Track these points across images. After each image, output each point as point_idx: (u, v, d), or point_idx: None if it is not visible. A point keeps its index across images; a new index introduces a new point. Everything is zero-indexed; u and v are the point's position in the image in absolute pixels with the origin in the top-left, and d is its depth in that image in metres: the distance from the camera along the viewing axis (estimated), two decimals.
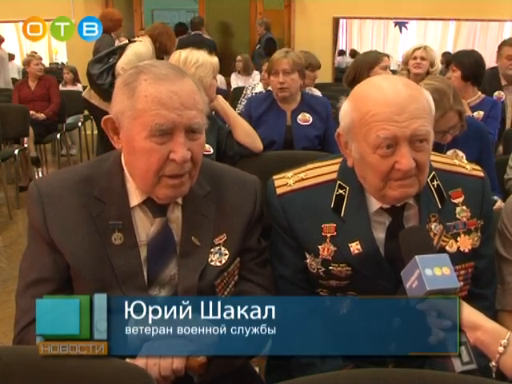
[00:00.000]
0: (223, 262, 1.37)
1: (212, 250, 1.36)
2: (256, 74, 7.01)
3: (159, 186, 1.27)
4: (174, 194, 1.30)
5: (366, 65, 3.51)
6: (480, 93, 3.62)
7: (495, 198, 2.51)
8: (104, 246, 1.30)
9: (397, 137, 1.25)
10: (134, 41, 4.48)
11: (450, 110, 2.39)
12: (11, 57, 9.07)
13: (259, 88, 4.86)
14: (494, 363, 1.09)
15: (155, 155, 1.24)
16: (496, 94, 3.79)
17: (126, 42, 4.51)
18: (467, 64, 3.52)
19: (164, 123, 1.22)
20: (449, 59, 3.74)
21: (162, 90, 1.22)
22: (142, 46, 4.38)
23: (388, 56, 3.69)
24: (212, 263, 1.36)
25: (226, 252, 1.37)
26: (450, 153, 2.54)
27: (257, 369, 1.70)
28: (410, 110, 1.25)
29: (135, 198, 1.33)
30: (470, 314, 1.13)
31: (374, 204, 1.38)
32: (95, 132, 7.35)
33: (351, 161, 1.37)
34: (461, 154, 2.56)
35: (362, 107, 1.29)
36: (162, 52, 4.45)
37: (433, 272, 1.15)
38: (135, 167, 1.29)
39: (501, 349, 1.08)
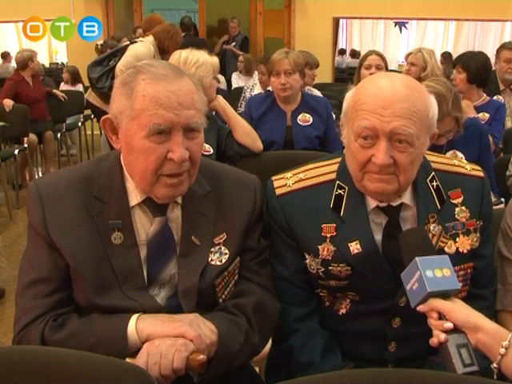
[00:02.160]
0: (223, 261, 1.36)
1: (212, 249, 1.36)
2: (257, 75, 7.00)
3: (158, 185, 1.27)
4: (173, 193, 1.30)
5: (358, 65, 3.65)
6: (485, 95, 3.62)
7: (502, 199, 2.52)
8: (104, 245, 1.29)
9: (376, 129, 1.26)
10: (135, 41, 4.47)
11: (448, 116, 2.39)
12: (8, 57, 9.04)
13: (257, 89, 4.85)
14: (495, 365, 1.08)
15: (153, 154, 1.24)
16: (494, 98, 3.79)
17: (128, 43, 4.49)
18: (474, 68, 3.51)
19: (162, 123, 1.22)
20: (455, 60, 3.72)
21: (159, 90, 1.22)
22: (142, 47, 4.35)
23: (379, 54, 3.71)
24: (212, 262, 1.35)
25: (226, 251, 1.37)
26: (449, 154, 2.54)
27: (257, 369, 1.70)
28: (396, 108, 1.25)
29: (135, 198, 1.33)
30: (471, 315, 1.13)
31: (371, 203, 1.38)
32: (95, 132, 7.39)
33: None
34: (460, 155, 2.57)
35: (356, 95, 1.32)
36: (161, 51, 4.44)
37: (433, 273, 1.14)
38: (134, 166, 1.28)
39: (502, 350, 1.07)
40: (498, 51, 4.08)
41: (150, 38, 4.44)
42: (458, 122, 2.44)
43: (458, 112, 2.40)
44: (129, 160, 1.29)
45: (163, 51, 4.43)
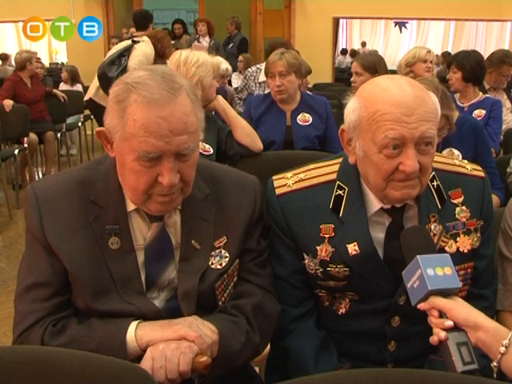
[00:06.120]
0: (223, 264, 1.35)
1: (212, 253, 1.35)
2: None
3: (149, 202, 1.26)
4: (165, 208, 1.29)
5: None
6: (481, 93, 3.62)
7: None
8: (101, 250, 1.28)
9: (405, 138, 1.24)
10: (138, 41, 4.52)
11: None
12: (6, 59, 9.02)
13: (262, 77, 4.71)
14: (495, 363, 1.08)
15: (143, 177, 1.22)
16: (490, 96, 3.78)
17: (130, 42, 4.54)
18: (468, 66, 3.52)
19: (151, 151, 1.18)
20: (450, 60, 3.72)
21: (150, 117, 1.17)
22: (147, 47, 4.48)
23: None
24: (212, 266, 1.34)
25: (227, 255, 1.36)
26: (445, 152, 2.53)
27: (257, 369, 1.70)
28: (420, 113, 1.24)
29: (132, 203, 1.32)
30: (472, 313, 1.13)
31: (375, 204, 1.37)
32: None
33: (353, 158, 1.36)
34: (456, 152, 2.56)
35: (370, 105, 1.28)
36: (159, 55, 4.50)
37: (434, 272, 1.14)
38: (125, 181, 1.27)
39: (502, 349, 1.07)
40: (493, 61, 4.04)
41: (146, 39, 4.53)
42: (449, 119, 2.44)
43: (447, 110, 2.38)
44: (121, 173, 1.28)
45: (163, 55, 4.49)
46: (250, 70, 4.89)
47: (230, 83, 6.74)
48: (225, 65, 4.55)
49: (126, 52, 4.41)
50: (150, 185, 1.22)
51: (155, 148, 1.18)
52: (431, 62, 3.82)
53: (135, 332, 1.22)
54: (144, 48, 4.44)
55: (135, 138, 1.18)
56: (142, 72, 1.24)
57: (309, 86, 4.83)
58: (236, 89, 5.44)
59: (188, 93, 1.24)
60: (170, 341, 1.20)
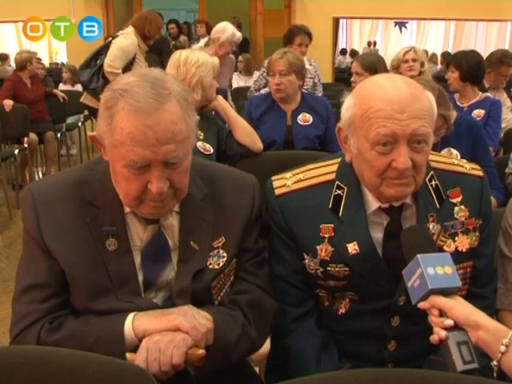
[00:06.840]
0: (221, 264, 1.35)
1: (211, 253, 1.35)
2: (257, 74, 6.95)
3: (142, 206, 1.26)
4: (158, 212, 1.28)
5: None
6: (481, 93, 3.62)
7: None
8: (98, 251, 1.28)
9: (396, 135, 1.24)
10: (117, 36, 4.45)
11: None
12: (6, 59, 9.01)
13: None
14: (495, 362, 1.08)
15: (133, 183, 1.22)
16: (490, 95, 3.78)
17: (110, 39, 4.48)
18: (465, 65, 3.53)
19: (138, 161, 1.17)
20: (448, 60, 3.73)
21: (137, 125, 1.16)
22: (124, 39, 4.35)
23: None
24: (210, 266, 1.34)
25: (225, 255, 1.36)
26: (444, 152, 2.53)
27: (257, 369, 1.70)
28: (412, 110, 1.24)
29: (126, 206, 1.31)
30: (472, 312, 1.13)
31: (373, 204, 1.37)
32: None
33: (349, 156, 1.37)
34: (455, 152, 2.56)
35: (364, 103, 1.28)
36: (143, 38, 4.44)
37: (435, 271, 1.14)
38: (118, 185, 1.27)
39: (503, 348, 1.07)
40: (492, 61, 4.05)
41: (129, 29, 4.44)
42: (446, 119, 2.43)
43: (444, 110, 2.38)
44: (114, 177, 1.28)
45: (145, 38, 4.44)
46: (267, 60, 4.97)
47: (230, 83, 6.71)
48: (238, 33, 4.79)
49: (103, 50, 4.32)
50: (141, 191, 1.22)
51: (142, 157, 1.17)
52: (414, 60, 3.82)
53: (132, 323, 1.22)
54: (121, 41, 4.32)
55: (123, 147, 1.18)
56: (131, 78, 1.22)
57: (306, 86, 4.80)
58: (236, 89, 5.45)
59: (178, 99, 1.21)
60: (165, 332, 1.20)
